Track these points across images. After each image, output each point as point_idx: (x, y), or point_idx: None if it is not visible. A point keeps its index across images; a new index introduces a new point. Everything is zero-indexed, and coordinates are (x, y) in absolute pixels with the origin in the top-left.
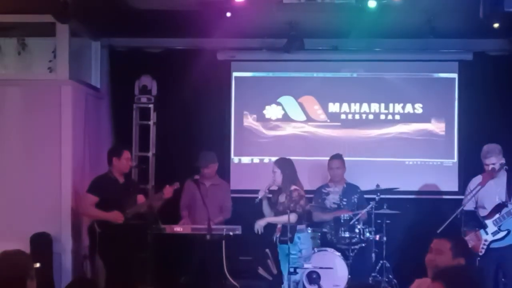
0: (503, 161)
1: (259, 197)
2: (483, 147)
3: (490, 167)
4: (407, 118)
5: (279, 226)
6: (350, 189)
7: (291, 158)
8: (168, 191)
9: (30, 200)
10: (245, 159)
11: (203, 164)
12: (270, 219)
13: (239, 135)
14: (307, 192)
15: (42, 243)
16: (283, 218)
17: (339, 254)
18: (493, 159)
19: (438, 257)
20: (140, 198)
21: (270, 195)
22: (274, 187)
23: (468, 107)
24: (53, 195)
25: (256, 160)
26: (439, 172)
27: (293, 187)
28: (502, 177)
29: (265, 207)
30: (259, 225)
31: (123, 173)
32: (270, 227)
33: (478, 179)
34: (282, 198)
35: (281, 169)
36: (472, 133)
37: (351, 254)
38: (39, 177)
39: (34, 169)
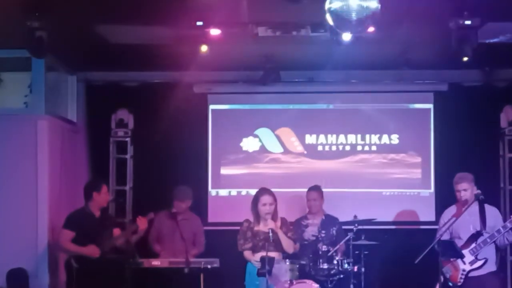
0: (476, 191)
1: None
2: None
3: (462, 193)
4: (383, 149)
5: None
6: (329, 221)
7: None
8: (142, 222)
9: (6, 236)
10: (223, 192)
11: (180, 197)
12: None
13: (216, 168)
14: None
15: (18, 279)
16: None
17: (317, 285)
18: (465, 185)
19: None
20: (116, 231)
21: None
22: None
23: (443, 138)
24: (29, 231)
25: (233, 192)
26: (416, 203)
27: (280, 216)
28: (474, 207)
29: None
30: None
31: (101, 207)
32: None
33: (450, 210)
34: (261, 228)
35: (275, 200)
36: (448, 163)
37: (329, 285)
38: (15, 213)
39: (10, 204)
